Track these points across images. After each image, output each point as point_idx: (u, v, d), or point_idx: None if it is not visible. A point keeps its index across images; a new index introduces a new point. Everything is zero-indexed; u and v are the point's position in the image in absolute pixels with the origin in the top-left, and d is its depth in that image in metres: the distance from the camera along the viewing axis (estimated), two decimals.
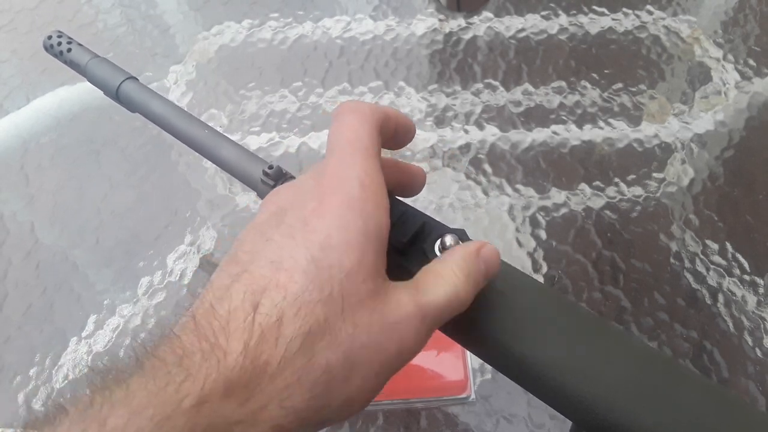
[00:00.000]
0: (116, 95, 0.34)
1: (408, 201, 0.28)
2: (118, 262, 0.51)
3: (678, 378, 0.24)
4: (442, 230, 0.27)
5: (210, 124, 0.33)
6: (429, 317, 0.22)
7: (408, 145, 0.56)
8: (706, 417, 0.23)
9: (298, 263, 0.20)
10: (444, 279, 0.23)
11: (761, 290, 0.48)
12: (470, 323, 0.26)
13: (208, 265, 0.50)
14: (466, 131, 0.57)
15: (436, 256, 0.26)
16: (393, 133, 0.26)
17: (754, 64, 0.61)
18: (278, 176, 0.33)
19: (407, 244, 0.27)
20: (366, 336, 0.20)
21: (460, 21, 0.65)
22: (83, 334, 0.47)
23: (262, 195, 0.33)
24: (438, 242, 0.26)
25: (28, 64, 0.63)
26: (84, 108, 0.60)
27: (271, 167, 0.32)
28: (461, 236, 0.27)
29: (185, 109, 0.34)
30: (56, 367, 0.46)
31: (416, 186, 0.29)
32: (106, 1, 0.68)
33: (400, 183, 0.28)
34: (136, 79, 0.35)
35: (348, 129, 0.24)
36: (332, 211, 0.21)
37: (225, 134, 0.34)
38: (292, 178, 0.34)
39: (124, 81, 0.34)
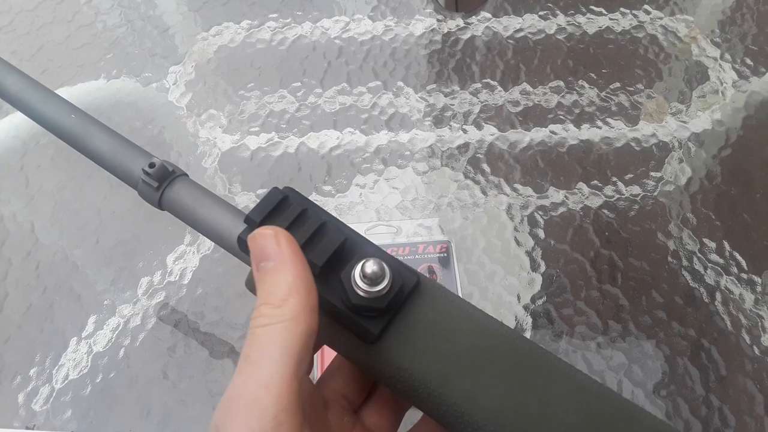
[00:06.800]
0: None
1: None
2: (118, 262, 0.51)
3: (626, 420, 0.21)
4: (366, 251, 0.22)
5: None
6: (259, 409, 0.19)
7: (407, 145, 0.56)
8: None
9: None
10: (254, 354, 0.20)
11: (759, 288, 0.48)
12: (386, 360, 0.22)
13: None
14: (465, 131, 0.57)
15: (355, 287, 0.21)
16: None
17: (752, 63, 0.61)
18: (162, 176, 0.26)
19: (324, 268, 0.21)
20: None
21: (459, 21, 0.65)
22: (83, 334, 0.48)
23: (144, 196, 0.27)
24: (358, 270, 0.21)
25: (27, 65, 0.63)
26: (83, 109, 0.60)
27: (152, 165, 0.26)
28: (390, 263, 0.22)
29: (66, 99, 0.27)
30: (56, 367, 0.46)
31: None
32: (106, 2, 0.68)
33: None
34: None
35: None
36: None
37: (99, 121, 0.26)
38: (184, 175, 0.27)
39: None
